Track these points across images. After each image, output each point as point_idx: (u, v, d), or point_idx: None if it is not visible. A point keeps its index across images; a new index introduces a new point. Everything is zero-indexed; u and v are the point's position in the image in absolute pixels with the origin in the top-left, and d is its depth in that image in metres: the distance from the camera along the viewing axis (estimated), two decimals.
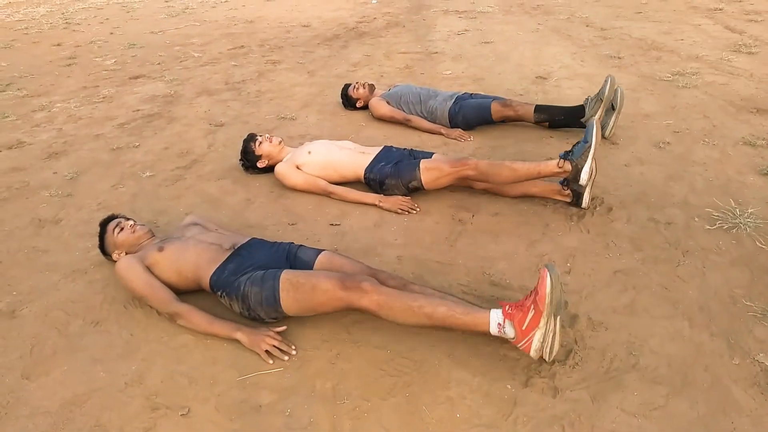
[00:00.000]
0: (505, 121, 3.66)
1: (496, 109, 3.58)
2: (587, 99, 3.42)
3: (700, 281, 2.18)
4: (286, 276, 1.98)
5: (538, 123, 3.55)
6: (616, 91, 3.33)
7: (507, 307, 1.75)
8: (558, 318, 1.71)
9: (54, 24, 7.60)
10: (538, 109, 3.50)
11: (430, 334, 1.97)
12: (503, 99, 3.65)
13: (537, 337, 1.68)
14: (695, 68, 4.58)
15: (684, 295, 2.11)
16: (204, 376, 1.87)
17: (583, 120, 3.38)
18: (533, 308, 1.69)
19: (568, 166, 2.56)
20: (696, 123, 3.59)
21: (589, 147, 2.51)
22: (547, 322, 1.67)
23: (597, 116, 3.31)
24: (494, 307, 1.79)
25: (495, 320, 1.74)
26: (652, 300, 2.10)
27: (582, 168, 2.53)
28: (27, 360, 1.98)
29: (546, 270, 1.68)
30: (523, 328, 1.69)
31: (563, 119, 3.48)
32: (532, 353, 1.71)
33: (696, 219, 2.57)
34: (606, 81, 3.29)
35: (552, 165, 2.58)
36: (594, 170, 2.62)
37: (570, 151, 2.59)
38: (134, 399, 1.79)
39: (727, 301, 2.06)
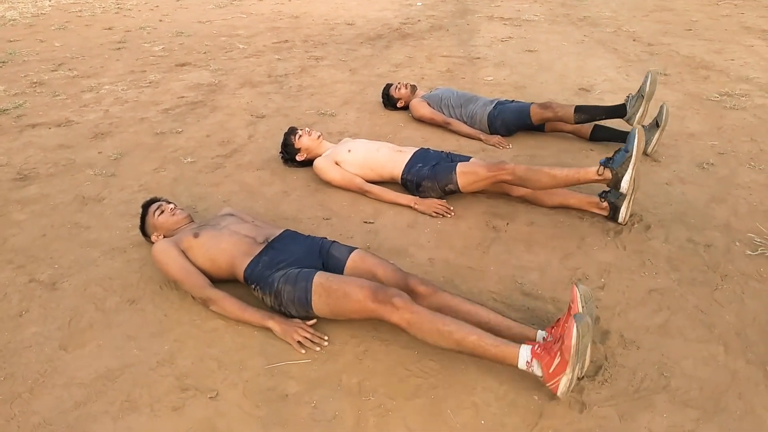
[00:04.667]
0: (543, 128, 3.63)
1: (535, 110, 3.53)
2: (628, 96, 3.36)
3: (739, 307, 2.13)
4: (319, 280, 1.99)
5: (578, 123, 3.47)
6: (661, 107, 3.26)
7: (536, 346, 1.72)
8: (583, 362, 1.69)
9: (106, 8, 7.81)
10: (579, 109, 3.42)
11: None
12: (543, 102, 3.60)
13: (563, 381, 1.65)
14: (745, 90, 4.47)
15: (720, 319, 2.07)
16: (233, 360, 1.90)
17: (625, 119, 3.32)
18: (559, 355, 1.66)
19: (608, 174, 2.49)
20: (742, 145, 3.50)
21: (630, 156, 2.44)
22: (573, 369, 1.64)
23: (638, 114, 3.25)
24: (524, 342, 1.76)
25: (524, 358, 1.71)
26: (687, 322, 2.06)
27: (622, 177, 2.46)
28: (65, 331, 2.05)
29: (573, 320, 1.64)
30: (550, 371, 1.67)
31: (604, 118, 3.42)
32: (559, 395, 1.68)
33: (737, 243, 2.51)
34: (646, 76, 3.21)
35: (592, 172, 2.53)
36: (635, 185, 2.58)
37: (611, 159, 2.53)
38: (165, 378, 1.84)
39: (765, 329, 2.01)
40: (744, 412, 1.69)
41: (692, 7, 7.84)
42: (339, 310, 1.95)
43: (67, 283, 2.30)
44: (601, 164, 2.52)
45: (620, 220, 2.63)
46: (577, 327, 1.63)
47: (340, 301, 1.92)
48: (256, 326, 2.03)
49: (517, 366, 1.72)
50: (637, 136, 2.45)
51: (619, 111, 3.34)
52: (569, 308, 1.79)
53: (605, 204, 2.67)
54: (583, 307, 1.74)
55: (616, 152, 2.53)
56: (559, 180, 2.58)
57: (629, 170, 2.45)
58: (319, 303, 1.97)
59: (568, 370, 1.64)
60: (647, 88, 3.21)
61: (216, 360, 1.91)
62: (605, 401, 1.73)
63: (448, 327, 1.78)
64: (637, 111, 3.27)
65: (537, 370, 1.70)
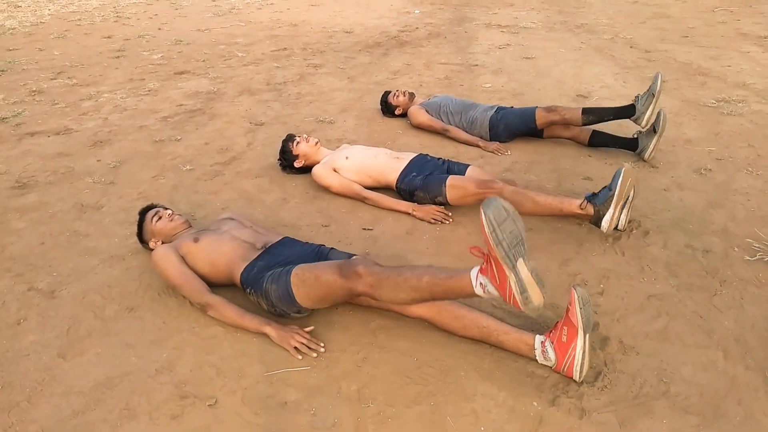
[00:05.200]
0: (541, 134, 3.64)
1: (541, 114, 3.52)
2: (637, 96, 3.35)
3: (737, 312, 2.13)
4: (296, 271, 2.00)
5: (586, 125, 3.46)
6: (659, 114, 3.27)
7: (483, 263, 1.70)
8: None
9: (105, 17, 7.84)
10: (586, 111, 3.41)
11: (457, 345, 1.97)
12: (548, 105, 3.60)
13: (512, 281, 1.62)
14: (742, 96, 4.49)
15: (719, 325, 2.07)
16: (232, 368, 1.90)
17: (633, 118, 3.32)
18: (495, 266, 1.64)
19: (590, 210, 2.51)
20: (740, 151, 3.51)
21: (613, 195, 2.45)
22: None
23: (648, 114, 3.26)
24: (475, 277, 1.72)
25: (475, 279, 1.70)
26: (686, 328, 2.06)
27: (603, 216, 2.47)
28: (63, 340, 2.04)
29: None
30: (497, 281, 1.64)
31: (612, 119, 3.41)
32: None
33: (735, 249, 2.52)
34: (656, 76, 3.22)
35: (575, 205, 2.54)
36: (634, 192, 2.59)
37: (596, 195, 2.55)
38: (164, 386, 1.83)
39: (764, 335, 2.01)
40: (743, 417, 1.69)
41: (689, 14, 7.89)
42: (317, 295, 1.96)
43: (66, 291, 2.30)
44: (585, 198, 2.54)
45: (619, 226, 2.63)
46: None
47: (315, 287, 1.94)
48: (253, 332, 2.03)
49: (474, 292, 1.69)
50: (622, 175, 2.44)
51: (627, 111, 3.33)
52: (567, 311, 1.80)
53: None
54: (581, 309, 1.75)
55: (603, 188, 2.54)
56: (541, 207, 2.61)
57: (611, 209, 2.46)
58: (299, 294, 1.98)
59: (508, 273, 1.61)
60: (658, 87, 3.22)
61: (215, 367, 1.91)
62: (605, 407, 1.72)
63: (403, 275, 1.81)
64: (647, 110, 3.27)
65: (491, 290, 1.66)
